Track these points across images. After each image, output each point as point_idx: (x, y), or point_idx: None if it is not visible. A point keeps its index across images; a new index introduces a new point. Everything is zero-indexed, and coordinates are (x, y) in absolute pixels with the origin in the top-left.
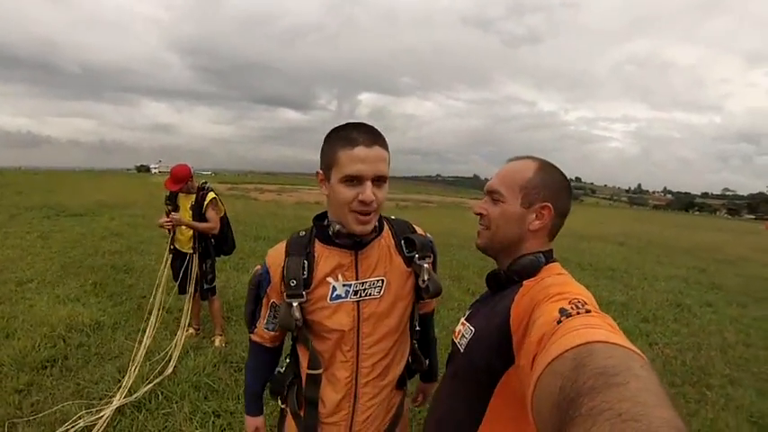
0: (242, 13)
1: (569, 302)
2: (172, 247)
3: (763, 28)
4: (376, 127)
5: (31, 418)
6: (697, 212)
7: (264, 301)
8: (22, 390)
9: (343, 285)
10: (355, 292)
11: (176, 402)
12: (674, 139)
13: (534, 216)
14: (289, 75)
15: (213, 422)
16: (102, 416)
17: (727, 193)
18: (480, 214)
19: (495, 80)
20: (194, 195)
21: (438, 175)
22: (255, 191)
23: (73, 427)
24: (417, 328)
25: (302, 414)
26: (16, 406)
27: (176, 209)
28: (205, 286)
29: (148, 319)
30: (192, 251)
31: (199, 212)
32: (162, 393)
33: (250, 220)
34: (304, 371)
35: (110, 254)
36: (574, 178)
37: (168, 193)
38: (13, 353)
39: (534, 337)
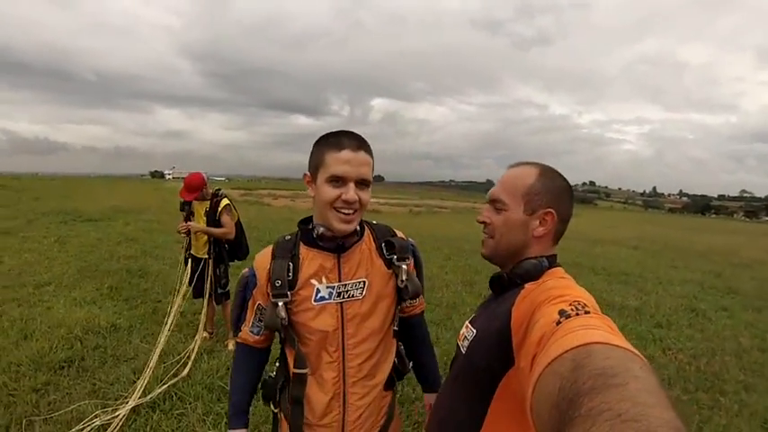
0: (251, 17)
1: (569, 304)
2: (188, 253)
3: None
4: (364, 136)
5: (48, 416)
6: (713, 215)
7: (250, 303)
8: (40, 389)
9: (327, 287)
10: (338, 294)
11: (190, 403)
12: (688, 141)
13: (538, 223)
14: (299, 80)
15: (226, 423)
16: (118, 415)
17: (745, 194)
18: (484, 223)
19: (506, 83)
20: (209, 202)
21: (451, 181)
22: (269, 196)
23: (89, 425)
24: (396, 329)
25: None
26: (34, 405)
27: (191, 215)
28: (219, 291)
29: (165, 322)
30: (207, 256)
31: (213, 218)
32: (176, 395)
33: (264, 226)
34: (291, 371)
35: (125, 258)
36: (588, 182)
37: (182, 200)
38: (31, 353)
39: (534, 338)
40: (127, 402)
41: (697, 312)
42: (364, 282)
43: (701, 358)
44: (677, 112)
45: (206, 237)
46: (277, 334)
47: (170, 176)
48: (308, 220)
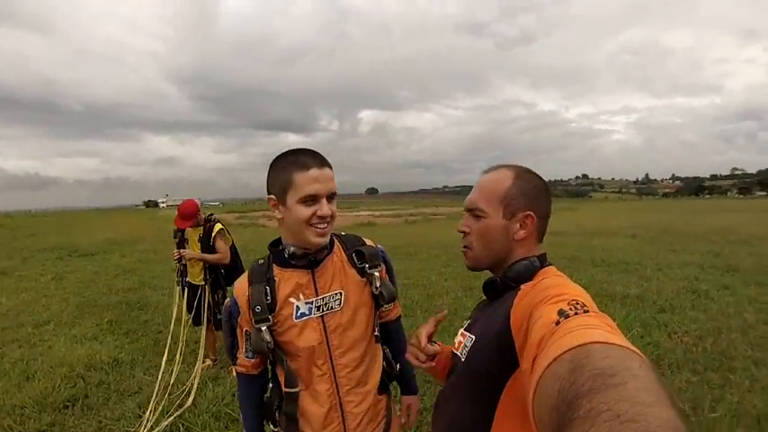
0: (236, 38)
1: (568, 304)
2: (183, 280)
3: (754, 2)
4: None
5: None
6: (708, 196)
7: (238, 331)
8: (45, 430)
9: (306, 303)
10: (318, 308)
11: None
12: (676, 125)
13: (518, 226)
14: (287, 97)
15: None
16: None
17: (736, 172)
18: (464, 232)
19: (493, 84)
20: (202, 228)
21: (445, 187)
22: (264, 218)
23: None
24: (376, 333)
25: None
26: None
27: (184, 242)
28: (218, 316)
29: (165, 353)
30: (203, 282)
31: (207, 244)
32: (183, 425)
33: (260, 248)
34: (283, 390)
35: (123, 291)
36: (581, 175)
37: (175, 228)
38: (34, 394)
39: (534, 339)
40: None
41: (699, 293)
42: (341, 293)
43: (707, 338)
44: (663, 98)
45: (201, 263)
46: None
47: (164, 205)
48: (277, 242)
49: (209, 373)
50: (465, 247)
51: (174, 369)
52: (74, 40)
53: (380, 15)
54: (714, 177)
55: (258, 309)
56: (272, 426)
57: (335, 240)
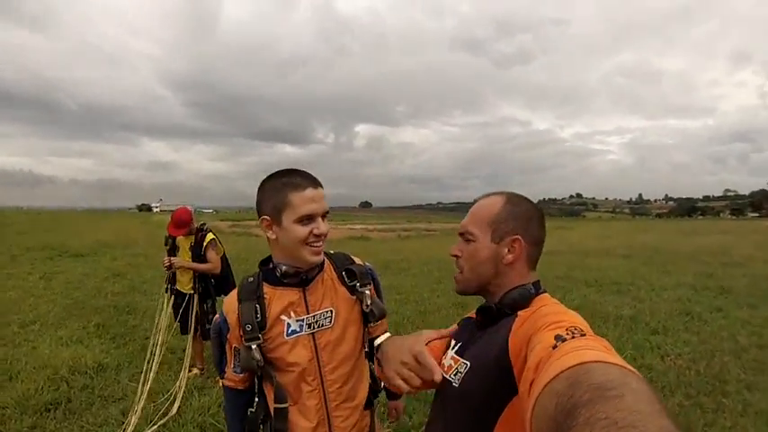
0: (233, 46)
1: (566, 330)
2: (173, 287)
3: (745, 27)
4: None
5: None
6: (700, 216)
7: (227, 347)
8: None
9: (297, 321)
10: (309, 325)
11: None
12: (669, 146)
13: (506, 250)
14: (283, 109)
15: None
16: None
17: (729, 193)
18: (456, 256)
19: (489, 102)
20: (193, 236)
21: (439, 203)
22: (257, 227)
23: None
24: (366, 350)
25: None
26: None
27: (175, 250)
28: (207, 326)
29: (150, 360)
30: (192, 291)
31: (198, 253)
32: None
33: (253, 258)
34: (272, 406)
35: (112, 294)
36: (575, 194)
37: (167, 234)
38: (16, 395)
39: (531, 363)
40: None
41: (692, 315)
42: (331, 311)
43: (700, 361)
44: (657, 119)
45: (191, 272)
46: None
47: (157, 209)
48: (267, 260)
49: (195, 382)
50: (457, 269)
51: (150, 376)
52: (71, 39)
53: (379, 29)
54: (707, 198)
55: (249, 327)
56: None
57: (325, 259)
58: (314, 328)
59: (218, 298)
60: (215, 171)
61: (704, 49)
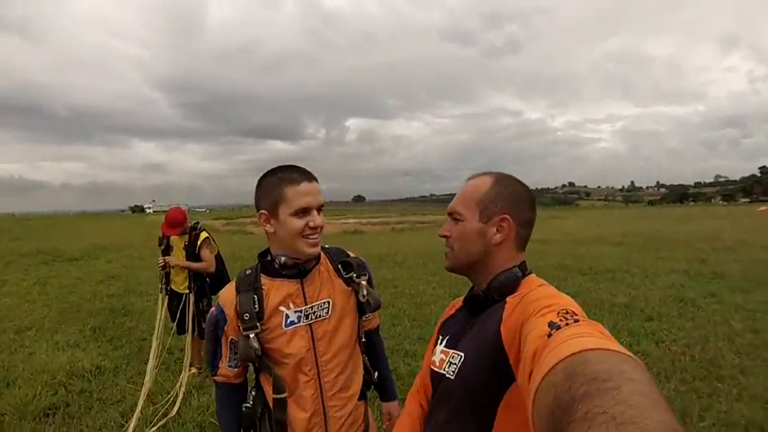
0: (220, 46)
1: (558, 314)
2: (168, 287)
3: (733, 12)
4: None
5: None
6: (692, 202)
7: (223, 340)
8: None
9: (295, 311)
10: (306, 316)
11: None
12: (660, 133)
13: (495, 230)
14: (273, 105)
15: None
16: None
17: (720, 179)
18: (445, 236)
19: (480, 93)
20: (187, 236)
21: (432, 195)
22: (252, 224)
23: None
24: (363, 340)
25: None
26: None
27: (169, 250)
28: (203, 325)
29: (148, 361)
30: (187, 291)
31: (192, 253)
32: None
33: (248, 255)
34: (270, 397)
35: (108, 297)
36: (567, 183)
37: (161, 235)
38: (14, 402)
39: (528, 353)
40: None
41: (686, 301)
42: (329, 302)
43: (694, 347)
44: (647, 106)
45: (186, 271)
46: (251, 364)
47: (150, 210)
48: (265, 253)
49: (194, 381)
50: (447, 247)
51: (149, 378)
52: (59, 44)
53: (366, 22)
54: (698, 185)
55: (247, 317)
56: None
57: (321, 252)
58: (311, 319)
59: (213, 297)
60: (207, 170)
61: (693, 34)
